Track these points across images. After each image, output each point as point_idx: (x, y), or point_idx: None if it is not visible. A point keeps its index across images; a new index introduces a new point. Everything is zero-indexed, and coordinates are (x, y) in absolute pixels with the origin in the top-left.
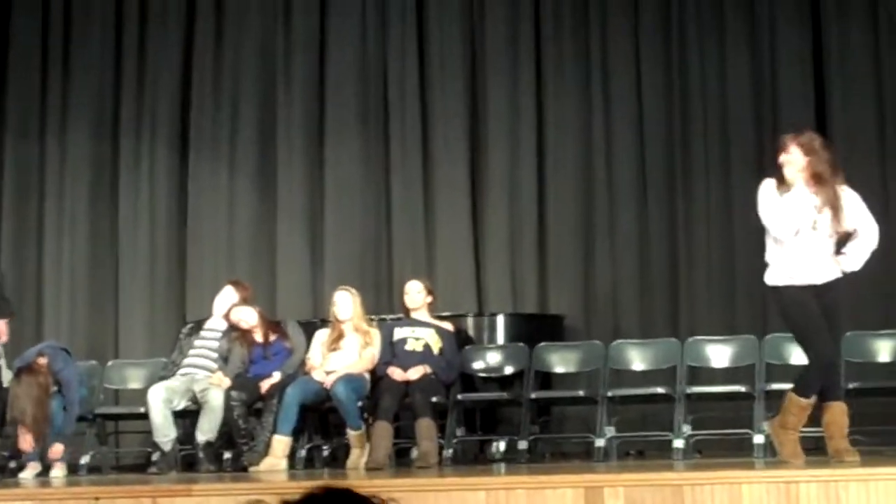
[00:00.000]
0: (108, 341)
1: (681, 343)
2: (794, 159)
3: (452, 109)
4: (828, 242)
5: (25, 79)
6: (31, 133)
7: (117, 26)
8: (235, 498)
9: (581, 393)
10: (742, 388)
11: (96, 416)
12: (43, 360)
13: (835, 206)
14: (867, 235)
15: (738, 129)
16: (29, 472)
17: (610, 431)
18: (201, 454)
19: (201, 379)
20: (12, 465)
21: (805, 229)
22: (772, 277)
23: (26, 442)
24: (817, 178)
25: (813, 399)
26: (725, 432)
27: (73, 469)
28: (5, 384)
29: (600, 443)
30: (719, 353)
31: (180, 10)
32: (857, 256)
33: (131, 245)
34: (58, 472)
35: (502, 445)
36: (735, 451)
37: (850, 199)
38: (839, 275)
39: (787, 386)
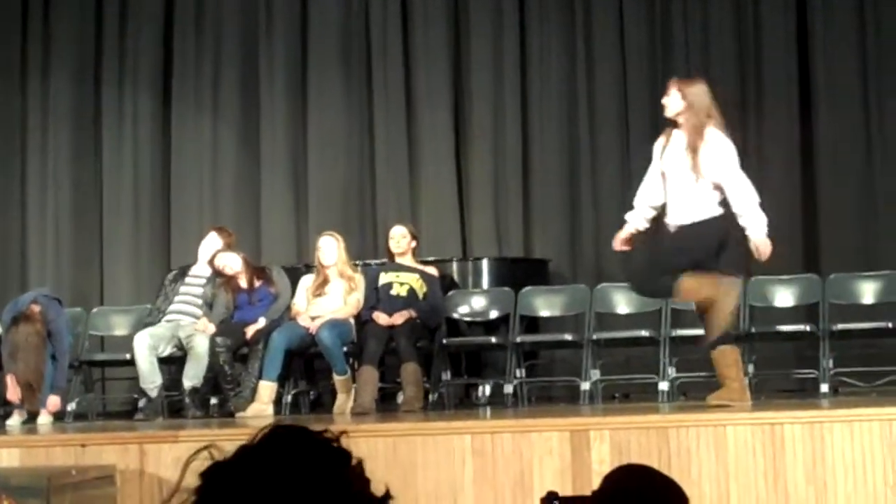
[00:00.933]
0: (93, 288)
1: None
2: (671, 102)
3: (435, 55)
4: (693, 187)
5: (6, 25)
6: (12, 80)
7: None
8: (223, 444)
9: (567, 337)
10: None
11: (82, 363)
12: (37, 308)
13: (694, 151)
14: (729, 191)
15: (719, 80)
16: (16, 420)
17: (595, 375)
18: (187, 400)
19: (186, 325)
20: None
21: (669, 172)
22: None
23: (14, 393)
24: (689, 123)
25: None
26: (710, 374)
27: (59, 416)
28: None
29: (585, 386)
30: None
31: None
32: (742, 218)
33: (116, 192)
34: (44, 419)
35: (488, 389)
36: None
37: (715, 148)
38: (698, 218)
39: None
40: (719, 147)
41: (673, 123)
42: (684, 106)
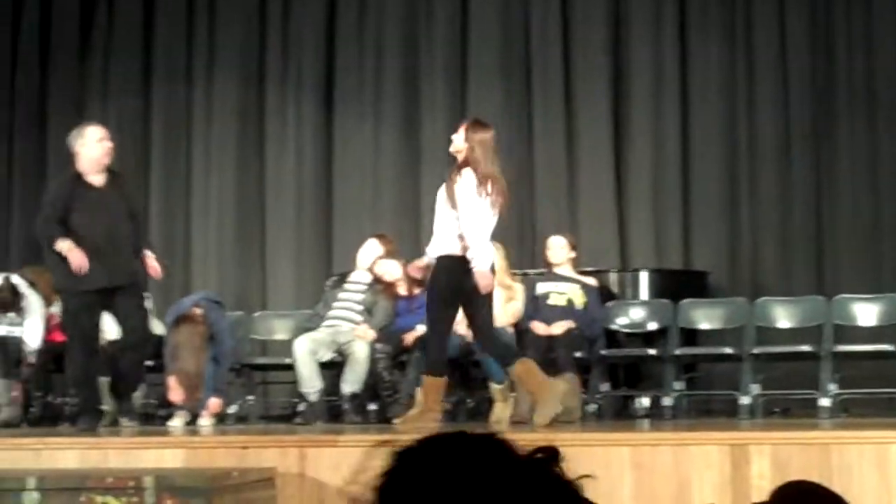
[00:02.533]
0: (255, 292)
1: (827, 301)
2: (456, 140)
3: (595, 62)
4: (450, 221)
5: (173, 26)
6: (177, 83)
7: None
8: (381, 450)
9: (727, 350)
10: (889, 347)
11: (243, 367)
12: (199, 311)
13: (449, 189)
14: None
15: (884, 84)
16: (178, 421)
17: (755, 389)
18: (347, 406)
19: (346, 331)
20: (161, 413)
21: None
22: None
23: (176, 394)
24: (464, 162)
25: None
26: (872, 391)
27: (220, 418)
28: (156, 332)
29: (745, 400)
30: (866, 312)
31: None
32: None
33: (278, 197)
34: (206, 421)
35: (646, 401)
36: (883, 411)
37: (460, 188)
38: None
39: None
40: (461, 185)
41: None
42: (466, 147)
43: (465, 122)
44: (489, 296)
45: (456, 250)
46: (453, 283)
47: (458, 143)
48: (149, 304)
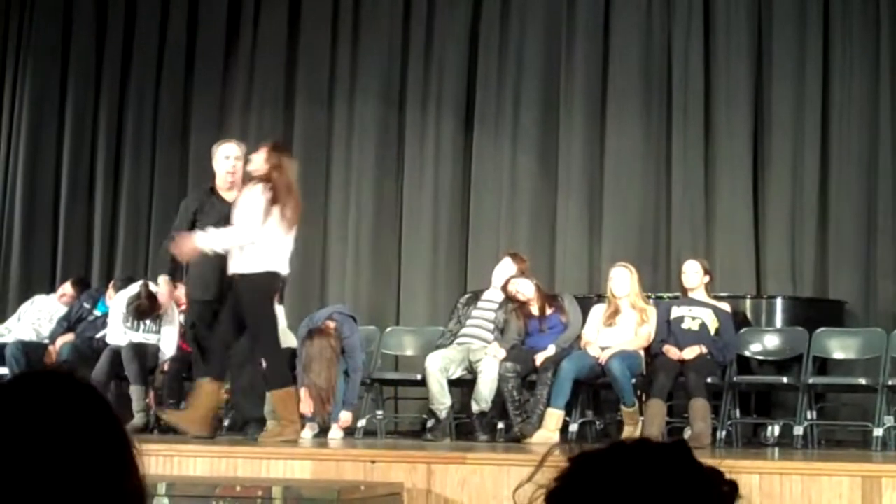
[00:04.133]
0: (389, 308)
1: None
2: (255, 160)
3: (736, 89)
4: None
5: (316, 48)
6: (320, 102)
7: None
8: (508, 469)
9: (861, 381)
10: None
11: (374, 381)
12: (332, 324)
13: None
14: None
15: None
16: (308, 433)
17: (889, 421)
18: (476, 423)
19: (477, 349)
20: None
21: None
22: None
23: (308, 406)
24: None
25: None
26: None
27: (349, 432)
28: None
29: (878, 432)
30: None
31: None
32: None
33: (415, 213)
34: (335, 433)
35: (777, 430)
36: None
37: (247, 201)
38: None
39: None
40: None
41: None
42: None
43: (264, 143)
44: (271, 309)
45: (255, 268)
46: (265, 296)
47: (258, 163)
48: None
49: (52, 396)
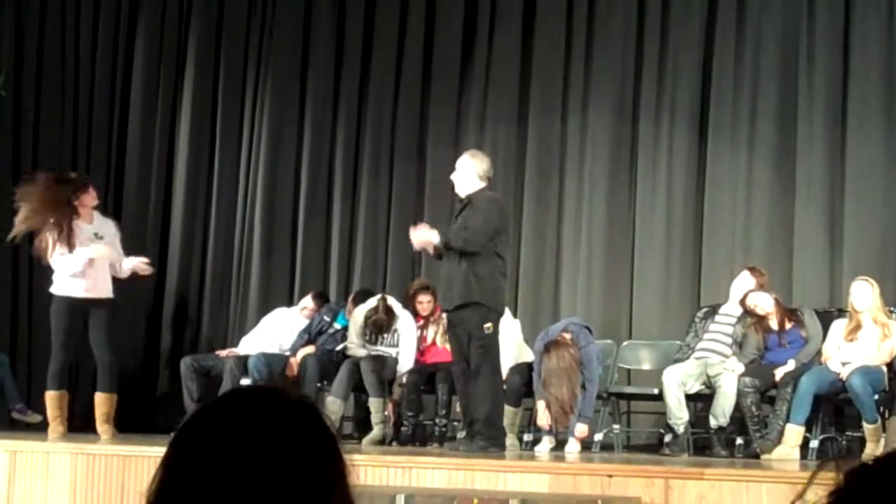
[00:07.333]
0: (622, 321)
1: None
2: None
3: None
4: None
5: (549, 63)
6: (553, 116)
7: (639, 10)
8: (747, 485)
9: None
10: None
11: (610, 395)
12: (567, 335)
13: None
14: None
15: None
16: (545, 446)
17: None
18: (714, 438)
19: (715, 363)
20: (527, 437)
21: None
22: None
23: (545, 418)
24: None
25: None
26: None
27: (586, 445)
28: (522, 359)
29: None
30: None
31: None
32: None
33: (647, 225)
34: (572, 447)
35: None
36: None
37: None
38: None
39: None
40: None
41: None
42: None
43: None
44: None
45: None
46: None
47: None
48: (518, 331)
49: (261, 411)
